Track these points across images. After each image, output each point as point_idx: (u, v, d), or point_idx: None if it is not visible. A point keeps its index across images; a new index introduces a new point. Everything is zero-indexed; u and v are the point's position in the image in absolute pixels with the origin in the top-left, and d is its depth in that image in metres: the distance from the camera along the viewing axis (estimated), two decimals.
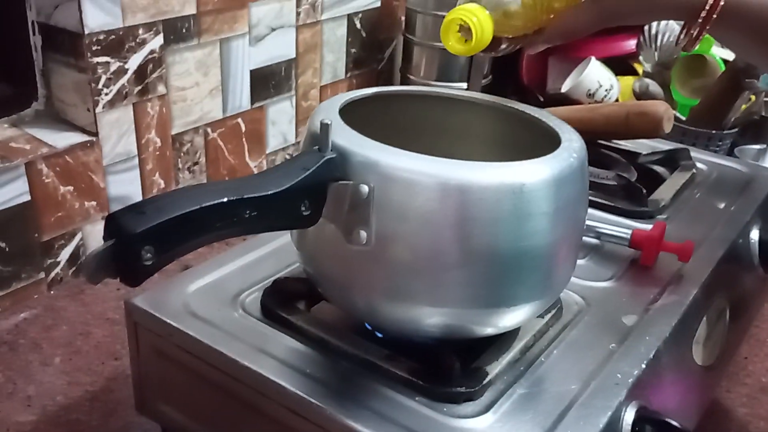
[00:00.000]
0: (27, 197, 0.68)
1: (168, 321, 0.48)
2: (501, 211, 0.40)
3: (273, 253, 0.55)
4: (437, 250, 0.40)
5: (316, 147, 0.40)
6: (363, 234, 0.40)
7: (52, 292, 0.72)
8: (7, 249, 0.68)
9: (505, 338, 0.46)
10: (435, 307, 0.42)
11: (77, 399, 0.60)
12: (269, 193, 0.37)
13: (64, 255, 0.73)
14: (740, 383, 0.64)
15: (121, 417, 0.58)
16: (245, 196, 0.36)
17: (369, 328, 0.48)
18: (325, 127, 0.40)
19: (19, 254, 0.69)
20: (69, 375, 0.62)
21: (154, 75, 0.75)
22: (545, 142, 0.44)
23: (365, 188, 0.40)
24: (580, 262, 0.56)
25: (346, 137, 0.41)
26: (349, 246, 0.41)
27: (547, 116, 0.48)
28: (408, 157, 0.40)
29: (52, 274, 0.72)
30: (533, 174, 0.40)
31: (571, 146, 0.43)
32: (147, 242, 0.33)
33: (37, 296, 0.71)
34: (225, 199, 0.36)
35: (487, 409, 0.42)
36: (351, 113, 0.44)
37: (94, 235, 0.75)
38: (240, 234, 0.38)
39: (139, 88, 0.75)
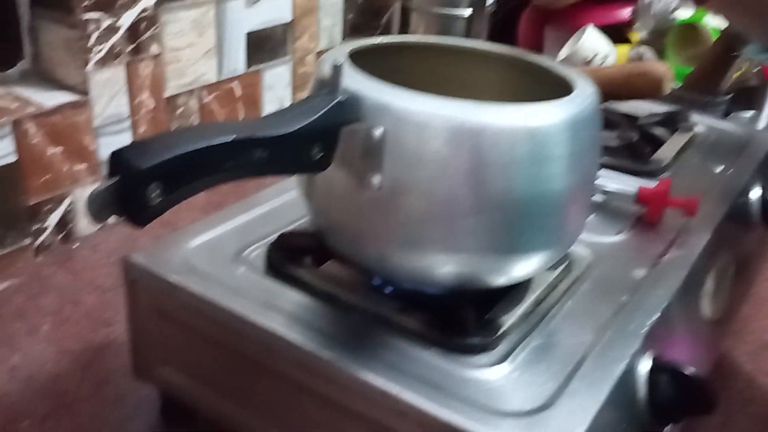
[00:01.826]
0: (13, 158, 0.65)
1: (168, 277, 0.46)
2: (515, 155, 0.38)
3: (277, 209, 0.54)
4: (451, 194, 0.39)
5: (327, 90, 0.39)
6: (376, 179, 0.39)
7: (39, 259, 0.69)
8: None
9: (517, 291, 0.45)
10: (448, 254, 0.41)
11: (67, 368, 0.57)
12: (280, 134, 0.36)
13: (52, 220, 0.70)
14: (743, 341, 0.64)
15: (115, 386, 0.55)
16: (256, 136, 0.35)
17: (378, 284, 0.46)
18: (336, 69, 0.39)
19: (4, 219, 0.66)
20: (58, 343, 0.59)
21: (148, 34, 0.73)
22: (558, 91, 0.43)
23: (378, 131, 0.38)
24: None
25: (357, 80, 0.40)
26: (361, 193, 0.40)
27: (560, 66, 0.47)
28: (421, 99, 0.39)
29: (39, 240, 0.70)
30: (548, 116, 0.39)
31: (585, 92, 0.42)
32: (154, 179, 0.32)
33: (22, 264, 0.68)
34: (235, 138, 0.34)
35: (502, 360, 0.41)
36: (358, 63, 0.43)
37: (83, 200, 0.72)
38: (251, 176, 0.36)
39: (132, 47, 0.72)
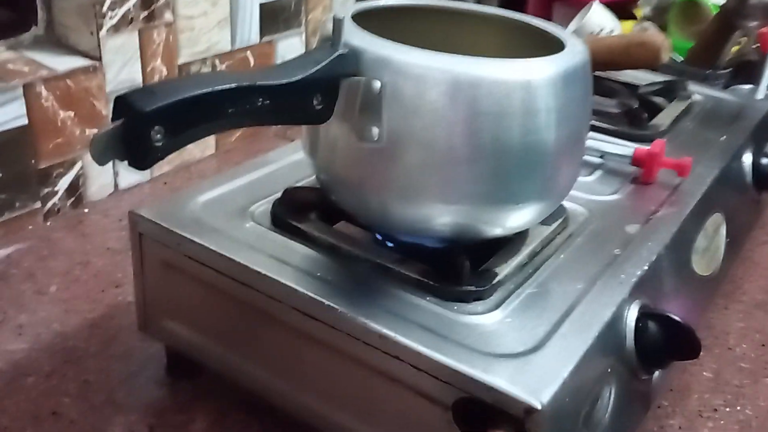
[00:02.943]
0: (24, 121, 0.66)
1: (176, 230, 0.47)
2: (510, 106, 0.40)
3: (281, 169, 0.55)
4: (448, 144, 0.40)
5: (329, 43, 0.40)
6: (375, 131, 0.40)
7: (48, 224, 0.70)
8: (0, 175, 0.66)
9: (514, 243, 0.47)
10: (445, 204, 0.42)
11: (74, 326, 0.57)
12: (282, 82, 0.37)
13: (63, 184, 0.71)
14: (736, 301, 0.65)
15: (122, 342, 0.56)
16: (258, 84, 0.36)
17: (380, 239, 0.48)
18: (338, 23, 0.40)
19: (14, 182, 0.67)
20: (66, 303, 0.60)
21: (161, 1, 0.74)
22: (552, 51, 0.44)
23: (377, 84, 0.40)
24: (585, 178, 0.57)
25: (357, 36, 0.41)
26: (362, 145, 0.41)
27: (553, 27, 0.48)
28: (419, 52, 0.40)
29: (49, 205, 0.71)
30: (540, 70, 0.41)
31: (575, 49, 0.44)
32: (157, 122, 0.33)
33: (32, 227, 0.69)
34: (237, 85, 0.36)
35: (496, 307, 0.42)
36: (361, 24, 0.44)
37: (94, 165, 0.73)
38: (254, 123, 0.38)
39: (146, 13, 0.73)
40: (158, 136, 0.33)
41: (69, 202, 0.73)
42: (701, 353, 0.44)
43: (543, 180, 0.43)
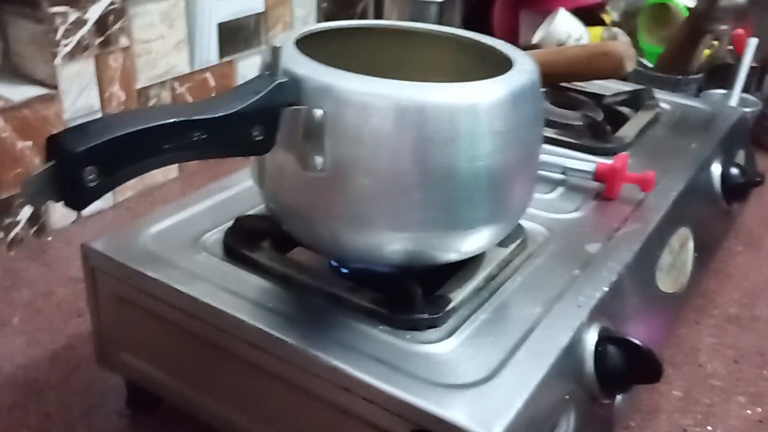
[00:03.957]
0: None
1: (127, 263, 0.46)
2: (456, 131, 0.39)
3: (236, 196, 0.55)
4: (393, 172, 0.40)
5: (268, 72, 0.39)
6: (319, 159, 0.40)
7: (11, 254, 0.70)
8: None
9: (469, 267, 0.46)
10: (395, 231, 0.41)
11: (36, 358, 0.57)
12: (218, 115, 0.36)
13: (24, 214, 0.71)
14: (708, 315, 0.64)
15: (84, 374, 0.56)
16: (193, 118, 0.35)
17: (335, 265, 0.47)
18: (275, 51, 0.39)
19: None
20: (28, 334, 0.59)
21: (116, 26, 0.73)
22: (502, 69, 0.44)
23: (318, 113, 0.39)
24: (545, 196, 0.57)
25: (298, 63, 0.41)
26: (307, 174, 0.40)
27: (503, 44, 0.47)
28: (360, 80, 0.40)
29: (12, 234, 0.70)
30: (486, 93, 0.40)
31: (523, 68, 0.43)
32: (90, 162, 0.32)
33: None
34: (172, 120, 0.35)
35: (449, 335, 0.42)
36: (309, 48, 0.44)
37: None
38: (192, 158, 0.37)
39: (101, 39, 0.73)
40: (91, 176, 0.33)
41: (32, 231, 0.72)
42: (670, 371, 0.43)
43: (495, 203, 0.42)
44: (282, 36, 0.46)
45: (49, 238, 0.73)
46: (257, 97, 0.38)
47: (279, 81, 0.39)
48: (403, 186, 0.40)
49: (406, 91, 0.39)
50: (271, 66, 0.39)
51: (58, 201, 0.33)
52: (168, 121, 0.35)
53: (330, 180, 0.40)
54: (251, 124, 0.38)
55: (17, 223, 0.70)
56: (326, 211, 0.42)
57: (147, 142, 0.35)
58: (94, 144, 0.33)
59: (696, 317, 0.64)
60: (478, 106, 0.39)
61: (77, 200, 0.33)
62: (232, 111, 0.37)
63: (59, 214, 0.74)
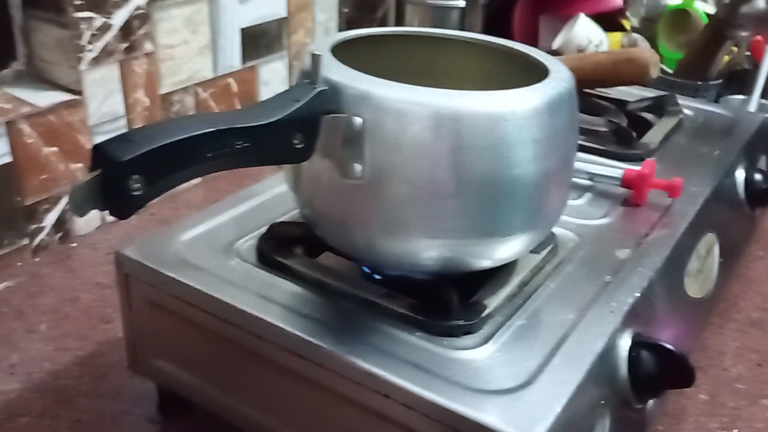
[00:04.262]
0: (8, 158, 0.66)
1: (161, 270, 0.47)
2: (494, 139, 0.39)
3: (267, 202, 0.55)
4: (431, 179, 0.40)
5: (308, 80, 0.40)
6: (357, 167, 0.40)
7: (36, 259, 0.70)
8: None
9: (503, 274, 0.46)
10: (431, 238, 0.41)
11: (65, 364, 0.57)
12: (260, 123, 0.37)
13: (50, 220, 0.71)
14: (731, 319, 0.65)
15: (113, 380, 0.56)
16: (236, 126, 0.36)
17: (367, 272, 0.47)
18: (316, 59, 0.39)
19: (1, 219, 0.67)
20: (56, 341, 0.60)
21: (141, 32, 0.74)
22: (535, 76, 0.44)
23: (358, 120, 0.39)
24: (573, 202, 0.57)
25: (337, 71, 0.41)
26: (345, 181, 0.41)
27: (536, 51, 0.48)
28: (399, 88, 0.40)
29: (37, 240, 0.71)
30: (523, 101, 0.40)
31: (560, 76, 0.43)
32: (135, 171, 0.33)
33: (20, 263, 0.69)
34: (215, 128, 0.35)
35: (486, 341, 0.42)
36: (341, 55, 0.44)
37: None
38: (234, 166, 0.37)
39: (125, 45, 0.73)
40: (137, 185, 0.33)
41: (57, 237, 0.72)
42: (697, 375, 0.43)
43: (531, 211, 0.43)
44: (316, 44, 0.46)
45: (74, 244, 0.73)
46: (298, 105, 0.38)
47: (319, 89, 0.39)
48: (440, 193, 0.40)
49: (445, 99, 0.39)
50: (311, 74, 0.40)
51: (104, 210, 0.33)
52: (212, 130, 0.35)
53: (368, 187, 0.41)
54: (292, 132, 0.38)
55: (42, 229, 0.71)
56: (363, 217, 0.42)
57: (190, 150, 0.35)
58: (139, 153, 0.33)
59: (720, 321, 0.64)
60: (516, 114, 0.40)
61: (123, 209, 0.34)
62: (274, 119, 0.37)
63: (84, 220, 0.74)
